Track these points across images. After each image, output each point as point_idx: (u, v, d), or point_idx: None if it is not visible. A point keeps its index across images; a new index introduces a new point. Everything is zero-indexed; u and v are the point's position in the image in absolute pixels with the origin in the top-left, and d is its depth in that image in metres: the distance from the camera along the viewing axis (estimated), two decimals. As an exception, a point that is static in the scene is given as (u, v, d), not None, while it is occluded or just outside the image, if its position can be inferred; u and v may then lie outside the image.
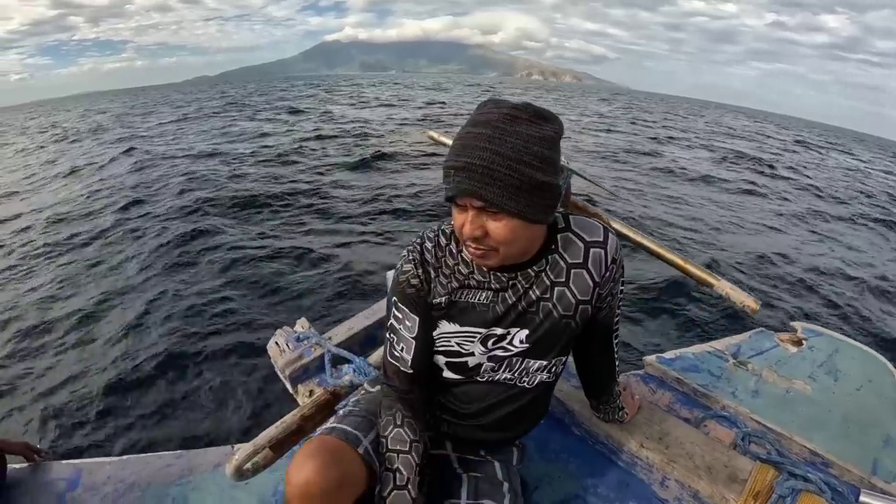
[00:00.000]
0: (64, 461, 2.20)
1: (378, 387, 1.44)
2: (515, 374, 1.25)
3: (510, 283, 1.15)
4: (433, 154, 12.76)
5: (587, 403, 1.71)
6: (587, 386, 1.63)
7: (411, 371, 1.23)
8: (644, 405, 1.78)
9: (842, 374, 2.16)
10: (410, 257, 1.18)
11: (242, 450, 1.56)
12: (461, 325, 1.19)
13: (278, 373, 2.09)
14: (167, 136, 19.36)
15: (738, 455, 1.60)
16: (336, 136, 16.71)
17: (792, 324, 2.52)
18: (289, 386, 2.04)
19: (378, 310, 2.31)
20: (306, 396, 1.88)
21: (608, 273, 1.20)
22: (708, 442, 1.65)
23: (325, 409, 1.77)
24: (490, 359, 1.22)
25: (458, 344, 1.21)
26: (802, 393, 2.04)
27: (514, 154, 0.94)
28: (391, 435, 1.19)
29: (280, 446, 1.68)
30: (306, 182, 10.48)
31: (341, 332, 2.14)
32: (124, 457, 2.14)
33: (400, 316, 1.21)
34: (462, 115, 21.31)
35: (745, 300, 1.92)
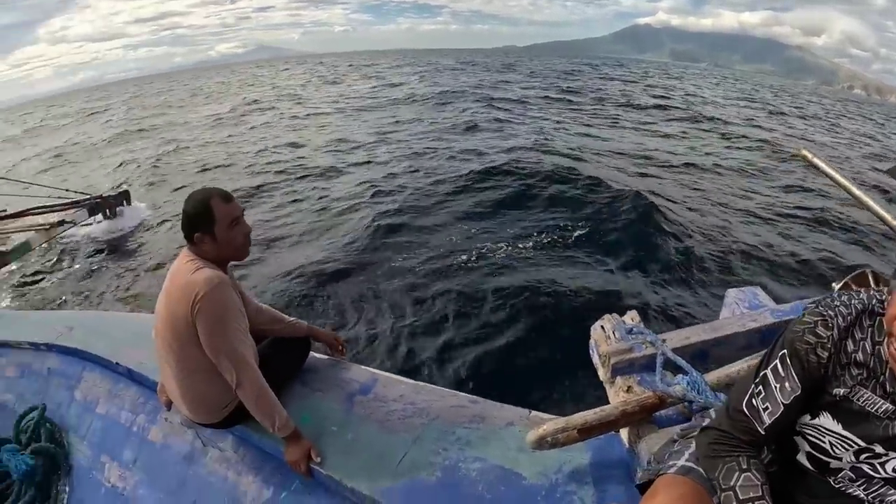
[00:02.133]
0: (363, 366, 2.41)
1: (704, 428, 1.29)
2: (869, 497, 1.08)
3: None
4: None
5: None
6: None
7: (762, 434, 1.09)
8: None
9: None
10: (830, 323, 1.02)
11: (553, 423, 1.63)
12: (844, 428, 1.04)
13: (595, 356, 2.07)
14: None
15: None
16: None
17: None
18: (604, 373, 1.99)
19: (720, 327, 2.18)
20: (623, 390, 1.88)
21: None
22: None
23: (648, 411, 1.78)
24: (853, 470, 1.07)
25: (829, 443, 1.06)
26: None
27: None
28: (739, 483, 1.05)
29: (589, 431, 1.76)
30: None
31: (676, 338, 2.06)
32: (420, 383, 2.28)
33: (782, 373, 1.06)
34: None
35: None
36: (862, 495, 1.09)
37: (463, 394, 2.16)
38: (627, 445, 1.87)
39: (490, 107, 21.14)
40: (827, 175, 2.36)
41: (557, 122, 18.09)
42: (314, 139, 17.45)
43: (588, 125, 17.83)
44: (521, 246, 6.65)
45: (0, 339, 3.64)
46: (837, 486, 1.10)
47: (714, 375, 1.88)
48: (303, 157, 14.84)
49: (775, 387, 1.07)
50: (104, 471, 2.58)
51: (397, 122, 18.96)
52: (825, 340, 1.01)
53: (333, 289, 5.98)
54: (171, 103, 37.84)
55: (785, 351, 1.06)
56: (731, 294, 2.96)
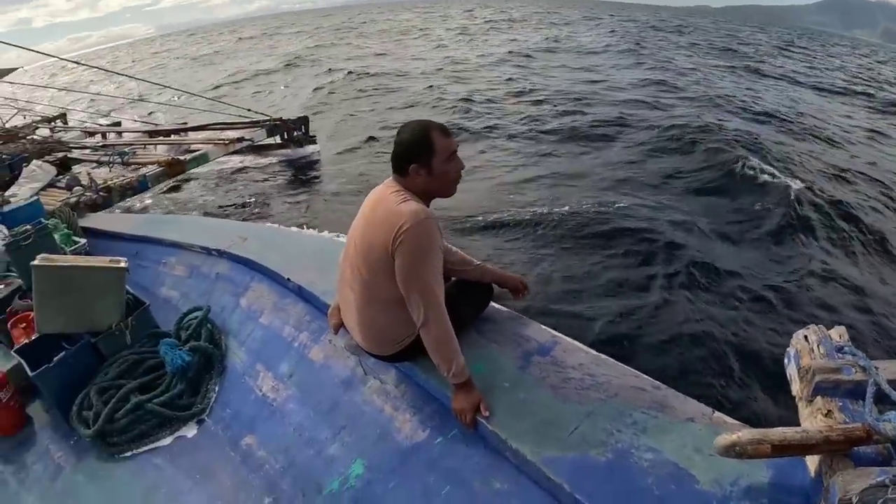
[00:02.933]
0: (545, 326, 2.33)
1: None
2: None
3: None
4: None
5: None
6: None
7: None
8: None
9: None
10: None
11: (748, 432, 1.52)
12: None
13: (793, 367, 1.90)
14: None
15: None
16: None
17: None
18: (801, 388, 1.83)
19: None
20: (822, 413, 1.72)
21: None
22: None
23: (851, 444, 1.63)
24: None
25: None
26: None
27: None
28: None
29: (783, 450, 1.65)
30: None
31: (891, 368, 1.89)
32: (602, 355, 2.17)
33: None
34: None
35: None
36: None
37: (646, 376, 2.03)
38: (813, 475, 1.74)
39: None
40: None
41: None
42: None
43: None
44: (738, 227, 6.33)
45: (172, 240, 3.97)
46: None
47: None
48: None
49: None
50: (257, 378, 2.69)
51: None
52: None
53: (517, 238, 6.04)
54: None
55: None
56: None
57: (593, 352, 2.15)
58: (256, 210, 8.81)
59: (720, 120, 12.01)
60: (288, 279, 2.91)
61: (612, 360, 2.10)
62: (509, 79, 18.56)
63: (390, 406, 2.18)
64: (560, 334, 2.23)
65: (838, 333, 1.98)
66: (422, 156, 1.85)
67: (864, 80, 25.32)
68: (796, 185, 7.87)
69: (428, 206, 1.90)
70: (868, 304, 5.03)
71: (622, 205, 6.97)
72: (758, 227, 6.58)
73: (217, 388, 2.84)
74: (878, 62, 38.84)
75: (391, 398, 2.20)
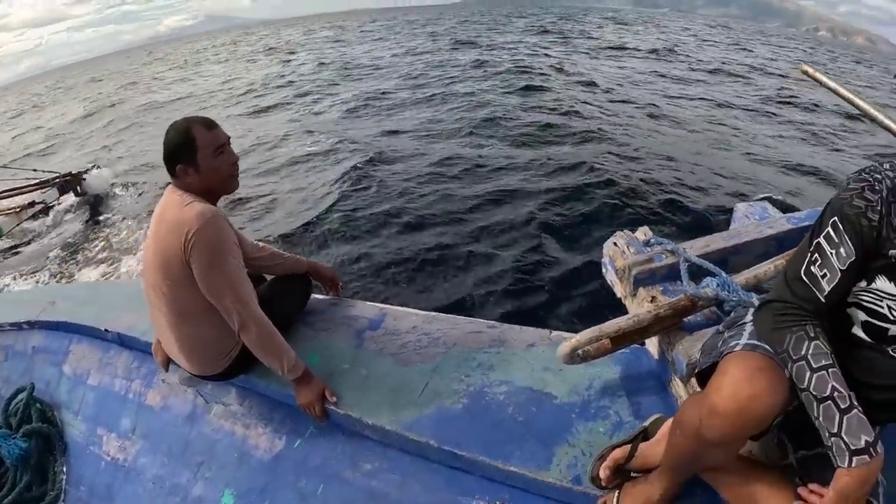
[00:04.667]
0: (370, 302, 2.33)
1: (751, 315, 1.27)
2: None
3: None
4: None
5: None
6: None
7: (822, 302, 1.06)
8: None
9: None
10: (877, 187, 1.00)
11: (586, 332, 1.58)
12: None
13: (611, 273, 2.03)
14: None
15: None
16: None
17: None
18: (623, 288, 1.96)
19: (738, 234, 2.11)
20: (647, 300, 1.81)
21: None
22: None
23: (680, 315, 1.72)
24: None
25: (888, 308, 1.04)
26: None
27: None
28: (810, 352, 1.02)
29: (621, 340, 1.69)
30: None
31: (695, 246, 2.01)
32: (432, 313, 2.19)
33: (835, 239, 1.04)
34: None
35: None
36: None
37: (480, 319, 2.08)
38: (657, 356, 1.81)
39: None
40: (829, 88, 2.37)
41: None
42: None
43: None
44: (526, 173, 6.56)
45: (-23, 324, 3.46)
46: None
47: (741, 277, 1.83)
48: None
49: (830, 253, 1.05)
50: (102, 444, 2.46)
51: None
52: (874, 203, 1.00)
53: (328, 224, 5.81)
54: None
55: (836, 217, 1.05)
56: (741, 208, 2.91)
57: (423, 312, 2.17)
58: (62, 270, 7.98)
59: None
60: (106, 330, 2.66)
61: (443, 314, 2.13)
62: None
63: (241, 426, 2.06)
64: (387, 305, 2.23)
65: (643, 232, 2.13)
66: (185, 154, 1.72)
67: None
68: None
69: (214, 204, 1.79)
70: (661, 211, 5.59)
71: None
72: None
73: (65, 468, 2.57)
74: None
75: (239, 417, 2.08)
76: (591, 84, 14.29)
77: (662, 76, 17.17)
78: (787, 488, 1.17)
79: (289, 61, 27.43)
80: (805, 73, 2.52)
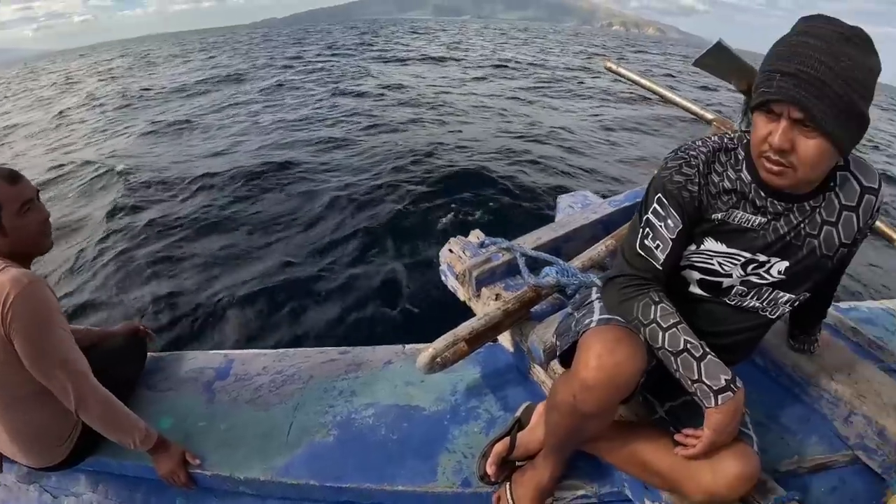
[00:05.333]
0: (212, 351, 2.16)
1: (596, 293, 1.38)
2: (762, 304, 1.23)
3: (785, 212, 1.12)
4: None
5: (777, 332, 1.70)
6: (799, 317, 1.64)
7: (660, 269, 1.19)
8: (831, 342, 1.74)
9: None
10: (693, 162, 1.13)
11: (440, 340, 1.61)
12: (728, 247, 1.16)
13: (450, 279, 2.08)
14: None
15: None
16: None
17: None
18: (466, 291, 2.01)
19: (567, 223, 2.28)
20: (492, 299, 1.88)
21: (871, 221, 1.18)
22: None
23: (527, 306, 1.82)
24: (744, 283, 1.20)
25: (719, 264, 1.18)
26: None
27: (845, 75, 0.90)
28: (658, 315, 1.14)
29: (476, 340, 1.75)
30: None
31: (529, 240, 2.11)
32: (281, 350, 2.10)
33: (662, 213, 1.16)
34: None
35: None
36: (756, 304, 1.23)
37: (330, 347, 2.05)
38: (513, 349, 1.91)
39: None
40: (632, 81, 2.54)
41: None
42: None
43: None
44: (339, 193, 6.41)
45: None
46: (732, 303, 1.23)
47: (577, 262, 1.98)
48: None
49: (659, 226, 1.17)
50: None
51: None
52: (692, 176, 1.13)
53: (146, 276, 5.09)
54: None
55: (659, 194, 1.16)
56: (564, 199, 3.09)
57: (271, 350, 2.10)
58: None
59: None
60: None
61: (291, 349, 2.08)
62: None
63: (99, 515, 1.78)
64: (231, 350, 2.13)
65: (475, 235, 2.22)
66: None
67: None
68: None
69: (28, 267, 1.56)
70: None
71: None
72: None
73: None
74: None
75: (97, 506, 1.80)
76: (380, 93, 13.92)
77: (446, 77, 17.78)
78: (665, 437, 1.29)
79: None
80: (609, 69, 2.68)
